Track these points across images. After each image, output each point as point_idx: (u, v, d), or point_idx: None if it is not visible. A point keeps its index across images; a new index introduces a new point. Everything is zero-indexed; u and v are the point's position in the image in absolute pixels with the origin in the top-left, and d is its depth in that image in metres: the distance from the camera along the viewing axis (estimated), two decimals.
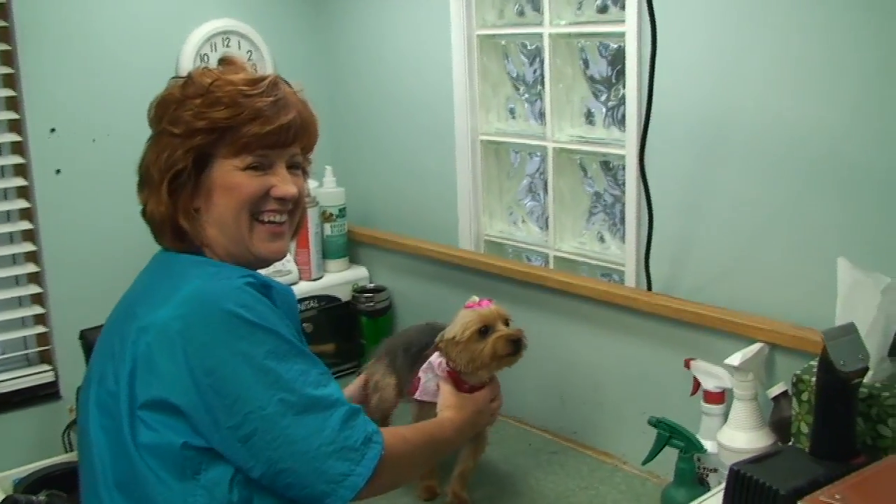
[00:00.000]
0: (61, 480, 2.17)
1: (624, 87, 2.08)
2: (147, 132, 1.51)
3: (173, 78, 1.53)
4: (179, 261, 1.47)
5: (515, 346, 1.92)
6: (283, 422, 1.32)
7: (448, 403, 1.89)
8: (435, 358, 2.00)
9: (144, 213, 1.50)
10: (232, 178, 1.44)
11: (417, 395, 2.03)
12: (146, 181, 1.49)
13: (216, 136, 1.43)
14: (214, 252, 1.48)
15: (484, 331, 1.92)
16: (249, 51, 2.70)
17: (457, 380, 1.95)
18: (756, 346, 1.85)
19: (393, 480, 1.47)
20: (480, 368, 1.93)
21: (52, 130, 2.47)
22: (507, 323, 1.96)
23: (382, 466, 1.39)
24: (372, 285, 2.82)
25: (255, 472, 1.34)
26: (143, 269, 1.54)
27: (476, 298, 1.99)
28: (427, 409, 2.00)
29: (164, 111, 1.46)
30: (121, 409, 1.36)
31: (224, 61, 1.59)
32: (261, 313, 1.35)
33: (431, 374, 2.00)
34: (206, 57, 2.61)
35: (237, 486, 1.35)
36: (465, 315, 1.96)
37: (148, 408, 1.34)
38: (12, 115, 2.43)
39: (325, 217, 2.76)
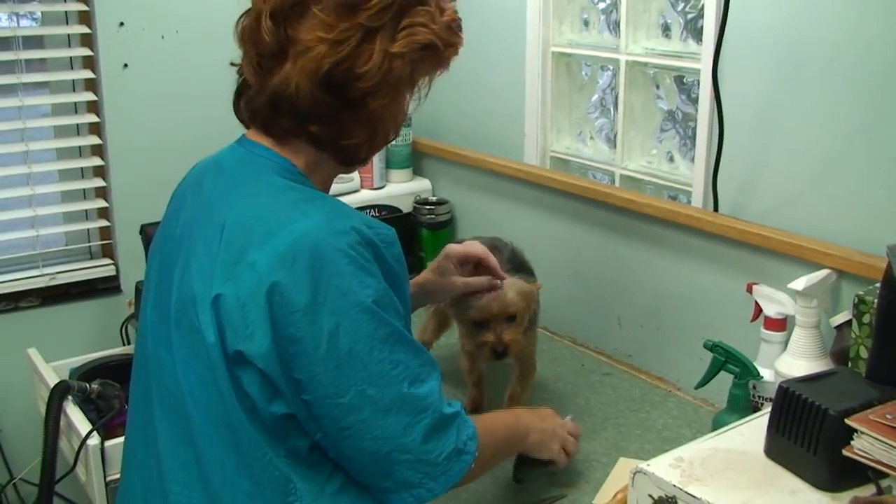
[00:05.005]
0: (116, 371, 2.19)
1: None
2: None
3: None
4: (276, 183, 1.30)
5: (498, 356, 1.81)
6: (360, 415, 1.20)
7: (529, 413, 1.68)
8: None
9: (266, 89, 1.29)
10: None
11: None
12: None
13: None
14: (306, 167, 1.34)
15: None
16: None
17: None
18: (822, 272, 1.75)
19: (470, 479, 1.35)
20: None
21: (121, 24, 2.46)
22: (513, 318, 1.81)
23: (468, 473, 1.30)
24: (434, 198, 2.77)
25: (319, 438, 1.23)
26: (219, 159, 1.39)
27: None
28: None
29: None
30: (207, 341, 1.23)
31: None
32: (361, 281, 1.21)
33: None
34: None
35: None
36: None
37: (235, 363, 1.21)
38: (82, 7, 2.43)
39: None
